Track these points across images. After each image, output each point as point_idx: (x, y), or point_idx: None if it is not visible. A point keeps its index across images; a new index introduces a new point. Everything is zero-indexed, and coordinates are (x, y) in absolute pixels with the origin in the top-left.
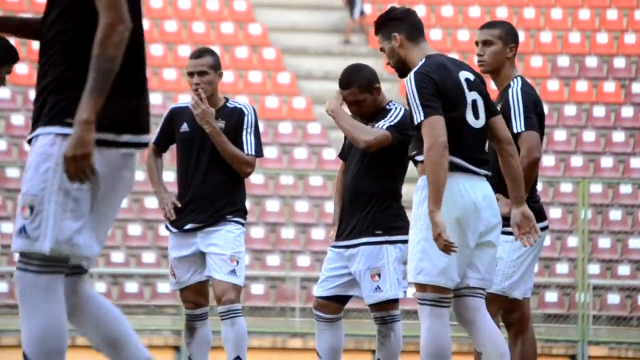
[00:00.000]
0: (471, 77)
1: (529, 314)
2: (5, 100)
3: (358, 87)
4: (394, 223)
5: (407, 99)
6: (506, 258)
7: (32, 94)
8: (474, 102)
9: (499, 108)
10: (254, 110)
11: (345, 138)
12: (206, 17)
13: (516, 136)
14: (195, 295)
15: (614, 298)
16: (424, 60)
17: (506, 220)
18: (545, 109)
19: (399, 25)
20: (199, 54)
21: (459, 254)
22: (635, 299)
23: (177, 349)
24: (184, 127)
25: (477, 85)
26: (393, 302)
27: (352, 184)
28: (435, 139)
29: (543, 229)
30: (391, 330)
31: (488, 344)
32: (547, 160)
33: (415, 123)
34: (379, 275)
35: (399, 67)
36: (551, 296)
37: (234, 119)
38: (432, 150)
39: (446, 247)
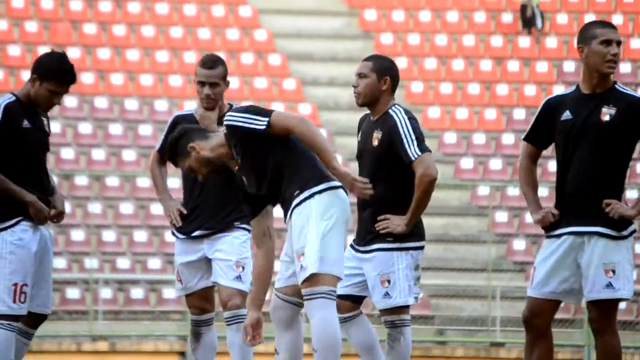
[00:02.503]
0: None
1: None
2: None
3: (370, 66)
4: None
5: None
6: (622, 260)
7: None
8: None
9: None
10: None
11: (359, 142)
12: (212, 23)
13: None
14: (201, 301)
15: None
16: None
17: (621, 223)
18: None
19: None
20: (211, 64)
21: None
22: None
23: (182, 354)
24: None
25: None
26: (403, 308)
27: None
28: None
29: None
30: (401, 335)
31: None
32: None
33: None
34: (389, 282)
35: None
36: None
37: None
38: None
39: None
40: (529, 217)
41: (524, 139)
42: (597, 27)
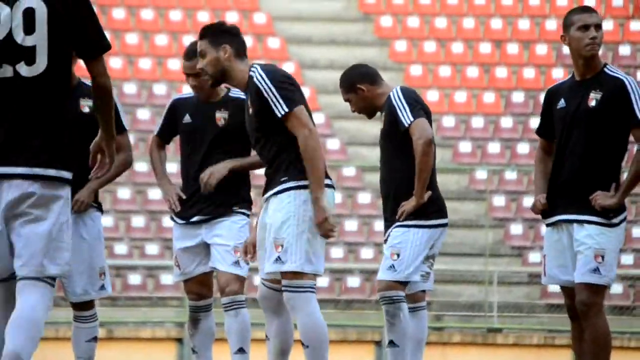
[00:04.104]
0: None
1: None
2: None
3: (343, 89)
4: (422, 208)
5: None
6: (610, 247)
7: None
8: None
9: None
10: None
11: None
12: (211, 6)
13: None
14: (199, 287)
15: (616, 288)
16: (258, 65)
17: (610, 211)
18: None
19: (228, 38)
20: (192, 54)
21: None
22: (638, 288)
23: (180, 341)
24: (187, 118)
25: None
26: (403, 284)
27: (381, 172)
28: None
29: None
30: (399, 310)
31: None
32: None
33: (281, 114)
34: (398, 255)
35: (215, 82)
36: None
37: (240, 111)
38: None
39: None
40: (526, 202)
41: (536, 132)
42: (575, 13)
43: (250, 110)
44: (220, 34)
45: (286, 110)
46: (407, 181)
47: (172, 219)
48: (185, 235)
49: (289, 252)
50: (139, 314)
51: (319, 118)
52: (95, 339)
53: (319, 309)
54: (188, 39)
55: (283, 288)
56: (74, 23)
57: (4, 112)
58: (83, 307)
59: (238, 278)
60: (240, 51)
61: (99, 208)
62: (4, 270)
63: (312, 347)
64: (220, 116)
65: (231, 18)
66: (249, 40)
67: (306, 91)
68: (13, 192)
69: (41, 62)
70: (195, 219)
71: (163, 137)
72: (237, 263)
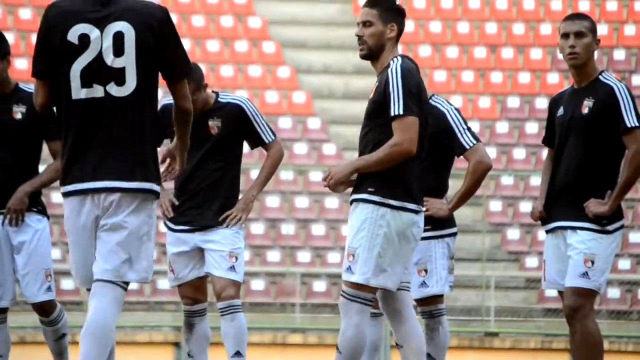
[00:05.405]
0: None
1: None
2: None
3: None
4: (440, 218)
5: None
6: (602, 254)
7: None
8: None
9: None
10: (247, 100)
11: None
12: (205, 10)
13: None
14: (194, 291)
15: (614, 292)
16: (401, 58)
17: (601, 218)
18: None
19: (400, 20)
20: None
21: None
22: (635, 293)
23: (177, 345)
24: None
25: None
26: (439, 297)
27: None
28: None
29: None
30: (439, 324)
31: (414, 338)
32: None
33: (392, 114)
34: (426, 271)
35: (369, 53)
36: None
37: (232, 117)
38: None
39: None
40: (523, 207)
41: (542, 142)
42: (562, 21)
43: (372, 95)
44: (393, 12)
45: (400, 113)
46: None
47: (165, 224)
48: (179, 241)
49: (359, 263)
50: (136, 319)
51: (314, 123)
52: (63, 335)
53: (367, 325)
54: (183, 43)
55: (341, 293)
56: (159, 47)
57: (96, 130)
58: (42, 312)
59: (234, 283)
60: (398, 37)
61: (40, 211)
62: (91, 279)
63: (345, 356)
64: (214, 124)
65: (226, 22)
66: (243, 45)
67: (301, 96)
68: (102, 204)
69: (130, 83)
70: (188, 227)
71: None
72: (232, 268)
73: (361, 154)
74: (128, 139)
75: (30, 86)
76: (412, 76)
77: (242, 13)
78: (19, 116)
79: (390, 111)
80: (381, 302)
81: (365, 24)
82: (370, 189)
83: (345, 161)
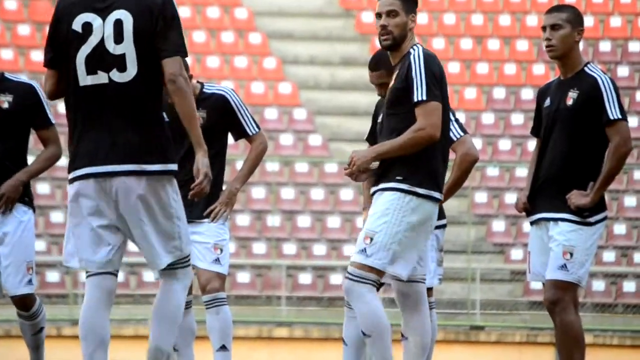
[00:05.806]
0: None
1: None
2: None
3: (386, 71)
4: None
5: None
6: (581, 246)
7: None
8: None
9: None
10: (232, 91)
11: (379, 123)
12: (192, 1)
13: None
14: None
15: (598, 285)
16: (420, 47)
17: (583, 210)
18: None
19: (416, 11)
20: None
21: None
22: (620, 285)
23: None
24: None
25: None
26: (428, 290)
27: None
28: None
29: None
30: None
31: (421, 332)
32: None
33: (416, 100)
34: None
35: (393, 43)
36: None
37: (217, 108)
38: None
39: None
40: (508, 198)
41: (530, 133)
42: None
43: (393, 82)
44: (413, 3)
45: (424, 98)
46: None
47: None
48: None
49: (377, 247)
50: (122, 312)
51: (300, 114)
52: (41, 330)
53: (379, 302)
54: None
55: (347, 275)
56: (156, 27)
57: (103, 115)
58: (22, 306)
59: (219, 276)
60: (413, 28)
61: (27, 203)
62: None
63: (375, 337)
64: (199, 116)
65: (212, 13)
66: (230, 36)
67: (287, 87)
68: (122, 189)
69: (131, 69)
70: None
71: None
72: (217, 261)
73: None
74: (135, 123)
75: (17, 75)
76: (434, 62)
77: (229, 4)
78: (5, 105)
79: (413, 97)
80: (396, 293)
81: (390, 13)
82: (398, 177)
83: (365, 148)
